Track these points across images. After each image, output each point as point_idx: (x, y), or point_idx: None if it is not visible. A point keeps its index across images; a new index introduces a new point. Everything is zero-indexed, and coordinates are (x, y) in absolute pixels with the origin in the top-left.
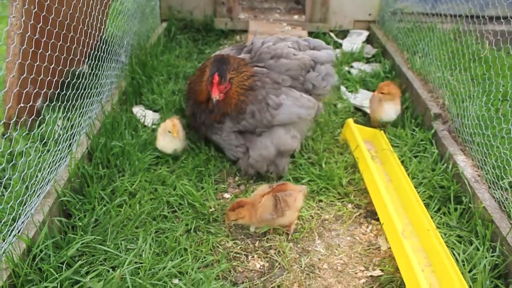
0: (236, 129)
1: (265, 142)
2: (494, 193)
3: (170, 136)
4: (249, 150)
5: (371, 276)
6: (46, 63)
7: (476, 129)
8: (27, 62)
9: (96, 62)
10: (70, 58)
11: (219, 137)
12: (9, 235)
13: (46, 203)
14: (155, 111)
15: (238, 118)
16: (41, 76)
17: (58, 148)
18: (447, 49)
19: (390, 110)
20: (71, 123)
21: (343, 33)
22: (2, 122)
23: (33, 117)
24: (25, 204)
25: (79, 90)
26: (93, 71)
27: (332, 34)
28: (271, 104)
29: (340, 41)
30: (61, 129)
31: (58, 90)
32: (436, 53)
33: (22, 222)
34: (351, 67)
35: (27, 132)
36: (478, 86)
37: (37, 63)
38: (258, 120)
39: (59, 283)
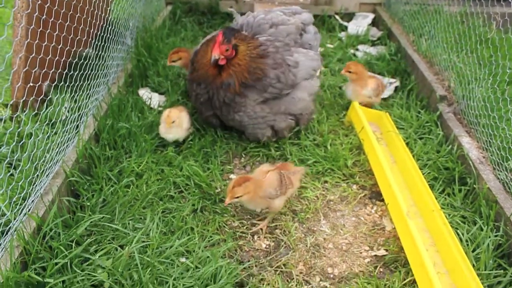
0: (262, 99)
1: (300, 95)
2: (499, 174)
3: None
4: (284, 113)
5: (375, 255)
6: (53, 43)
7: (482, 110)
8: (35, 42)
9: (102, 43)
10: (77, 38)
11: (242, 114)
12: (20, 214)
13: (55, 183)
14: (161, 93)
15: (263, 87)
16: (49, 56)
17: (66, 129)
18: (454, 32)
19: (352, 90)
20: (78, 105)
21: (349, 16)
22: (12, 101)
23: (41, 97)
24: (34, 183)
25: (86, 71)
26: (99, 52)
27: (337, 17)
28: (291, 64)
29: (345, 24)
30: (68, 111)
31: (66, 71)
32: (442, 36)
33: (32, 201)
34: (357, 50)
35: (35, 112)
36: (485, 68)
37: (45, 43)
38: (284, 82)
39: (69, 260)
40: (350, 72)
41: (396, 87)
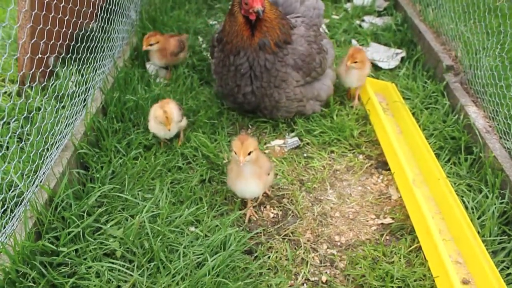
0: (303, 83)
1: (327, 82)
2: (505, 143)
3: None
4: (314, 98)
5: (381, 223)
6: (60, 15)
7: (489, 80)
8: (42, 13)
9: (108, 15)
10: (83, 10)
11: (282, 92)
12: (32, 185)
13: (64, 156)
14: (165, 68)
15: (309, 70)
16: (56, 28)
17: (73, 102)
18: (461, 1)
19: (358, 77)
20: (85, 78)
21: None
22: (21, 73)
23: (49, 68)
24: (45, 156)
25: (92, 43)
26: (105, 25)
27: None
28: (325, 50)
29: None
30: (75, 84)
31: (72, 43)
32: (449, 5)
33: (43, 173)
34: (362, 20)
35: (44, 83)
36: (493, 37)
37: (52, 14)
38: (322, 68)
39: (81, 230)
40: (356, 62)
41: (402, 58)
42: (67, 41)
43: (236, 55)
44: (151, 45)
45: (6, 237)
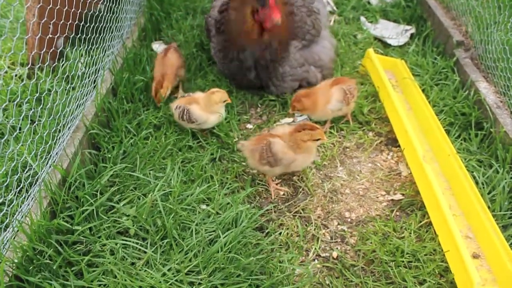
0: (301, 46)
1: (326, 45)
2: None
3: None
4: (317, 64)
5: (392, 200)
6: None
7: (500, 54)
8: None
9: None
10: None
11: (287, 67)
12: (46, 165)
13: (76, 137)
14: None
15: (303, 34)
16: (66, 7)
17: (83, 83)
18: None
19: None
20: (94, 59)
21: None
22: (32, 53)
23: (60, 48)
24: (57, 137)
25: (100, 24)
26: (112, 4)
27: None
28: (316, 11)
29: None
30: (84, 66)
31: (81, 22)
32: None
33: (56, 153)
34: None
35: (54, 64)
36: (505, 10)
37: None
38: (316, 28)
39: (95, 209)
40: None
41: (411, 34)
42: (76, 21)
43: (241, 52)
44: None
45: (22, 216)
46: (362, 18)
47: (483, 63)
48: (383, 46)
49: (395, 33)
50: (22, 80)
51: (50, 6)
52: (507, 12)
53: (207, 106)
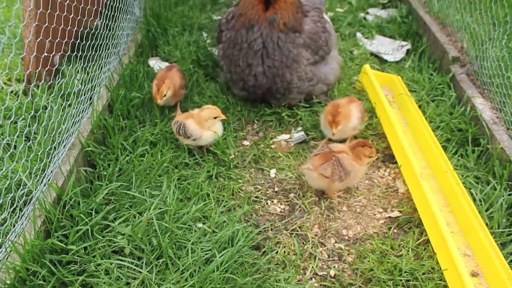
0: (313, 61)
1: (334, 65)
2: None
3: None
4: (323, 81)
5: (389, 217)
6: (65, 13)
7: (496, 70)
8: (48, 12)
9: (112, 12)
10: (87, 8)
11: (294, 73)
12: (40, 184)
13: (71, 154)
14: (171, 63)
15: (316, 48)
16: (61, 26)
17: (79, 100)
18: None
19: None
20: (90, 76)
21: None
22: (27, 72)
23: (55, 67)
24: (52, 154)
25: (97, 41)
26: (109, 22)
27: None
28: (328, 30)
29: None
30: (81, 83)
31: (77, 41)
32: None
33: (51, 172)
34: (367, 13)
35: (50, 82)
36: (499, 27)
37: (57, 12)
38: (328, 46)
39: (89, 228)
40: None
41: (407, 50)
42: (72, 39)
43: (249, 29)
44: (165, 95)
45: (16, 236)
46: (358, 34)
47: (479, 79)
48: (379, 61)
49: (391, 48)
50: (18, 97)
51: (46, 24)
52: (502, 29)
53: (200, 122)
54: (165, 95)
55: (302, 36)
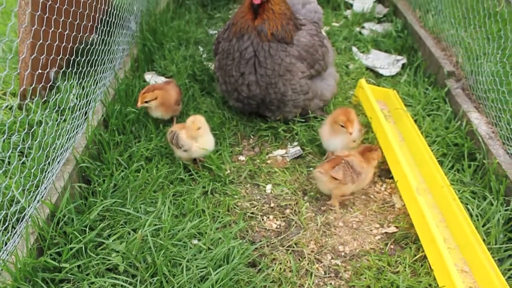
0: (308, 74)
1: (331, 82)
2: (509, 149)
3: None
4: (319, 97)
5: (386, 232)
6: (60, 29)
7: (491, 85)
8: (42, 29)
9: (108, 28)
10: (82, 24)
11: (288, 84)
12: (34, 201)
13: (66, 170)
14: (167, 77)
15: (313, 61)
16: (56, 42)
17: (74, 116)
18: (461, 6)
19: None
20: (86, 91)
21: None
22: (21, 89)
23: (49, 84)
24: (46, 170)
25: (92, 57)
26: (105, 37)
27: None
28: (327, 47)
29: (351, 1)
30: (76, 97)
31: (73, 57)
32: (449, 11)
33: (45, 188)
34: (363, 27)
35: (44, 99)
36: (493, 42)
37: (52, 29)
38: (325, 61)
39: (83, 245)
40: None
41: (403, 64)
42: (67, 56)
43: (240, 38)
44: (146, 102)
45: (7, 254)
46: (354, 49)
47: (474, 94)
48: (375, 76)
49: (387, 63)
50: (12, 111)
51: (41, 41)
52: (496, 44)
53: (188, 131)
54: (146, 102)
55: (297, 48)
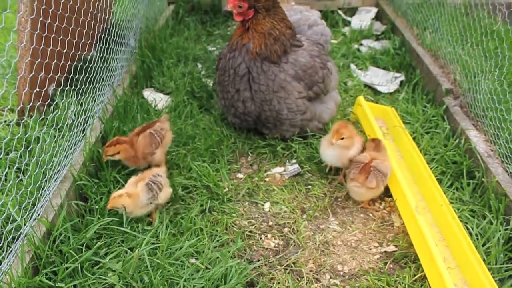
0: (305, 95)
1: (331, 106)
2: (507, 167)
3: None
4: (317, 119)
5: (385, 251)
6: (58, 48)
7: (489, 103)
8: (41, 47)
9: (106, 45)
10: (81, 42)
11: (283, 103)
12: (30, 219)
13: (63, 187)
14: (166, 94)
15: (311, 82)
16: (54, 61)
17: (72, 133)
18: (458, 24)
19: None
20: (84, 108)
21: (352, 11)
22: (19, 107)
23: (48, 101)
24: (43, 188)
25: (91, 74)
26: (104, 55)
27: (340, 12)
28: (330, 70)
29: (348, 18)
30: (74, 114)
31: (71, 75)
32: (446, 28)
33: (41, 206)
34: (361, 44)
35: (42, 117)
36: (491, 60)
37: (50, 47)
38: (325, 85)
39: (79, 264)
40: (343, 138)
41: (401, 82)
42: (66, 74)
43: (233, 55)
44: (111, 155)
45: (2, 274)
46: (352, 66)
47: (473, 111)
48: (374, 93)
49: (385, 80)
50: (10, 127)
51: (39, 60)
52: (493, 62)
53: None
54: (109, 155)
55: (294, 68)
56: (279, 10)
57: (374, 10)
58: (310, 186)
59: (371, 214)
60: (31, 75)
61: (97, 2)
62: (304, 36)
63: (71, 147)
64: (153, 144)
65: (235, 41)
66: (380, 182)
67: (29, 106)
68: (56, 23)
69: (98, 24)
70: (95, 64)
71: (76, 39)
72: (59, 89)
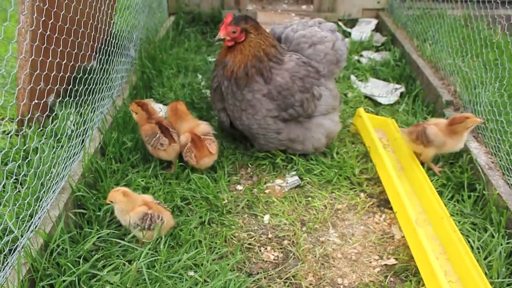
0: (277, 114)
1: (316, 135)
2: (509, 179)
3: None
4: (299, 142)
5: (385, 264)
6: (58, 59)
7: (489, 115)
8: (40, 59)
9: (106, 56)
10: (81, 53)
11: (251, 118)
12: (27, 231)
13: (61, 199)
14: (165, 104)
15: (285, 104)
16: (54, 72)
17: (71, 144)
18: (458, 36)
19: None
20: (84, 119)
21: (352, 22)
22: (17, 119)
23: (46, 113)
24: (41, 199)
25: (90, 85)
26: (104, 66)
27: (340, 23)
28: (315, 95)
29: (349, 30)
30: (73, 125)
31: (70, 86)
32: (446, 40)
33: (39, 218)
34: (361, 56)
35: (40, 128)
36: (491, 72)
37: (50, 59)
38: (305, 109)
39: (77, 277)
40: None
41: (401, 93)
42: (65, 85)
43: (215, 68)
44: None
45: None
46: (353, 77)
47: None
48: (374, 104)
49: (385, 91)
50: (10, 137)
51: (38, 71)
52: (493, 74)
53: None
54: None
55: (269, 86)
56: (263, 29)
57: (374, 22)
58: (310, 198)
59: (371, 227)
60: (30, 86)
61: (98, 14)
62: (297, 55)
63: (70, 158)
64: None
65: (220, 56)
66: (419, 141)
67: (28, 117)
68: (56, 35)
69: (98, 35)
70: (95, 75)
71: (76, 51)
72: (59, 100)
